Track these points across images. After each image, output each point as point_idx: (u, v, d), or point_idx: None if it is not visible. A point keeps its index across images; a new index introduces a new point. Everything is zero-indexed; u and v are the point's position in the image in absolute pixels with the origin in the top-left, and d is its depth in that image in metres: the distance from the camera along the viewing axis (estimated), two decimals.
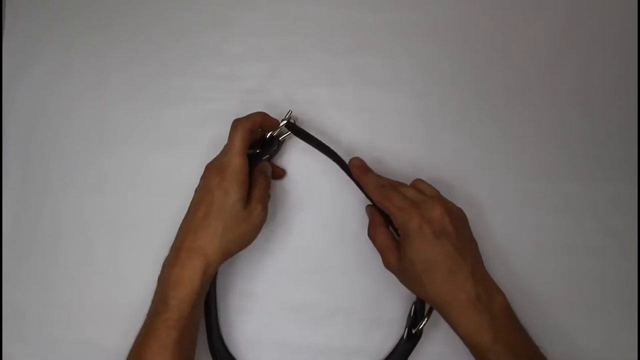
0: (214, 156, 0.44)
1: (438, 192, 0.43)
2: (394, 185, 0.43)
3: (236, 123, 0.43)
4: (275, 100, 0.51)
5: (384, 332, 0.47)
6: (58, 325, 0.49)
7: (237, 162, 0.42)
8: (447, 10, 0.52)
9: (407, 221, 0.39)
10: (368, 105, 0.51)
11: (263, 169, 0.46)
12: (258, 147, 0.47)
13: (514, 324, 0.39)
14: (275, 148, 0.48)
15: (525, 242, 0.48)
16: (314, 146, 0.47)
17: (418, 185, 0.43)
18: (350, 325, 0.47)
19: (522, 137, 0.50)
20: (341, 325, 0.48)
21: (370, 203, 0.45)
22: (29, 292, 0.50)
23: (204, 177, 0.44)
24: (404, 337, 0.45)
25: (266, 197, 0.45)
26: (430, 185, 0.43)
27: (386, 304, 0.47)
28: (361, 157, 0.46)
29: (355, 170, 0.45)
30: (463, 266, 0.38)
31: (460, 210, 0.42)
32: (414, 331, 0.44)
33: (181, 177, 0.50)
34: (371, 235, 0.44)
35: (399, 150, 0.50)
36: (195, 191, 0.44)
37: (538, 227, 0.48)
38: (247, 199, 0.42)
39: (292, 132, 0.47)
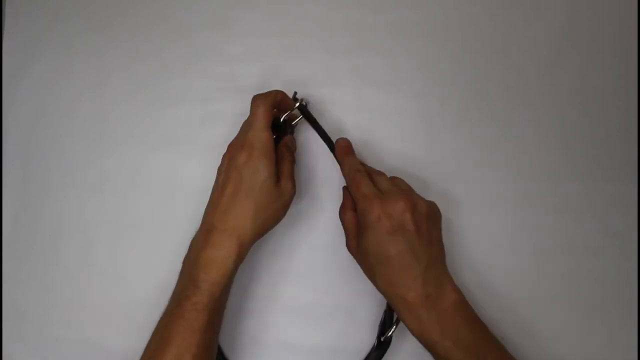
0: (214, 156, 0.44)
1: (411, 188, 0.42)
2: (370, 173, 0.42)
3: (257, 98, 0.42)
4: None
5: None
6: (58, 325, 0.49)
7: (263, 137, 0.41)
8: (447, 10, 0.52)
9: (367, 211, 0.39)
10: (368, 105, 0.51)
11: (287, 143, 0.45)
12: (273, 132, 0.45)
13: (467, 320, 0.38)
14: (288, 133, 0.47)
15: (525, 242, 0.48)
16: (319, 135, 0.47)
17: (394, 180, 0.43)
18: (351, 326, 0.47)
19: (522, 137, 0.50)
20: (342, 326, 0.47)
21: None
22: (29, 292, 0.50)
23: (229, 156, 0.42)
24: (375, 345, 0.44)
25: (294, 173, 0.44)
26: (404, 182, 0.43)
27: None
28: (360, 156, 0.46)
29: (339, 149, 0.45)
30: (414, 266, 0.37)
31: (431, 207, 0.40)
32: (382, 339, 0.43)
33: (181, 177, 0.50)
34: (340, 215, 0.44)
35: (399, 150, 0.50)
36: (219, 171, 0.43)
37: (538, 227, 0.48)
38: (276, 176, 0.41)
39: (303, 116, 0.46)
